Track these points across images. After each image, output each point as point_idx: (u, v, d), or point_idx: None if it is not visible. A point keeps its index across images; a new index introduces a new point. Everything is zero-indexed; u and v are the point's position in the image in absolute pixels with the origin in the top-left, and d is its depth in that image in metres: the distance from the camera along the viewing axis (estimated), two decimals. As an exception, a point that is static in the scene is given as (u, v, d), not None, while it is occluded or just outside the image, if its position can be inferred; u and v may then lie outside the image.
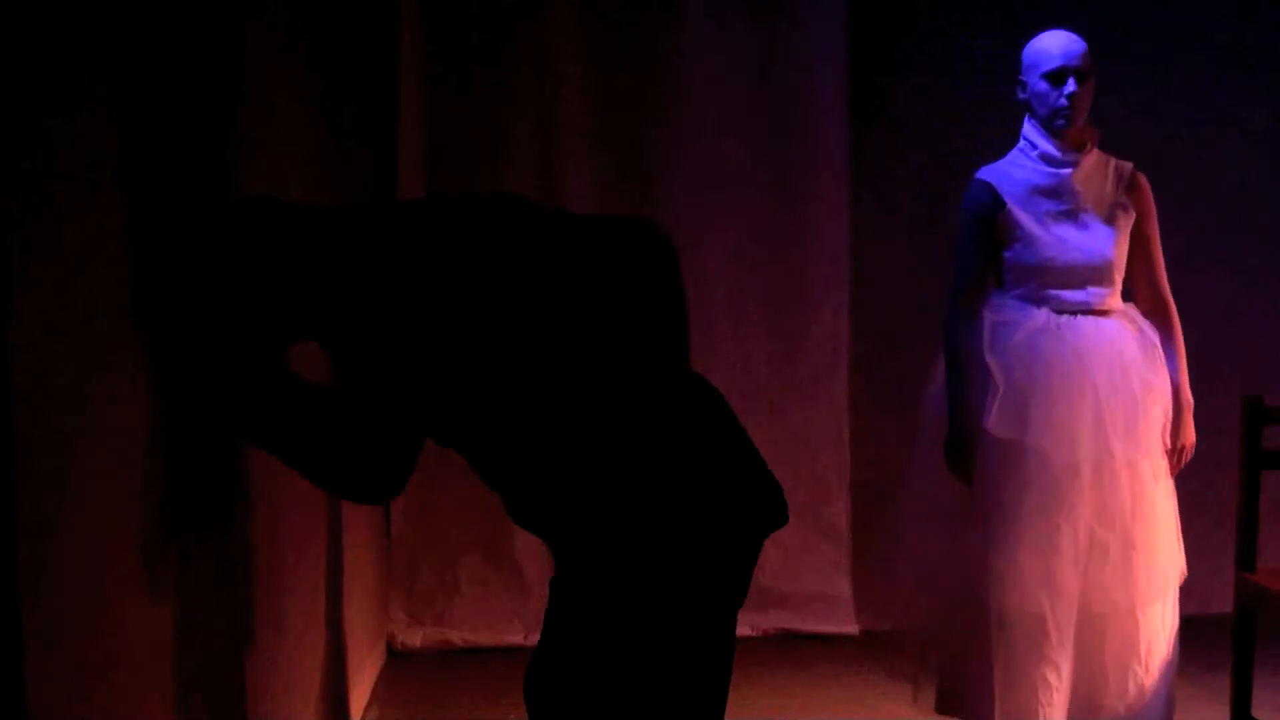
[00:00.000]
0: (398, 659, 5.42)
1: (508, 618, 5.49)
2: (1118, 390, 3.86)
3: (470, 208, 2.66)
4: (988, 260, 3.95)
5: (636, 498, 2.54)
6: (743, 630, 5.31)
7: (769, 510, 2.67)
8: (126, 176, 2.24)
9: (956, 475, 3.92)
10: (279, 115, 3.42)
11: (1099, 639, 3.87)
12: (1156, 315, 3.99)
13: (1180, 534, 3.94)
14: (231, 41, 2.94)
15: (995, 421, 3.84)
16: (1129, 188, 3.96)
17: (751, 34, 5.52)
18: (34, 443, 1.85)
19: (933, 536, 3.99)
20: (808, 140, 5.55)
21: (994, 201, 3.92)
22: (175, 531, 2.48)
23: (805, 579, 5.59)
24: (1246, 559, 4.03)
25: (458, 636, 5.51)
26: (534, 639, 2.79)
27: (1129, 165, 3.98)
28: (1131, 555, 3.86)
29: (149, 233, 2.33)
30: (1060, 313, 3.90)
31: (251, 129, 3.07)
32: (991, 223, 3.92)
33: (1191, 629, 4.07)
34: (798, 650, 5.43)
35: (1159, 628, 3.89)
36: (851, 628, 5.57)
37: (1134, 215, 3.96)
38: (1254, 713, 4.05)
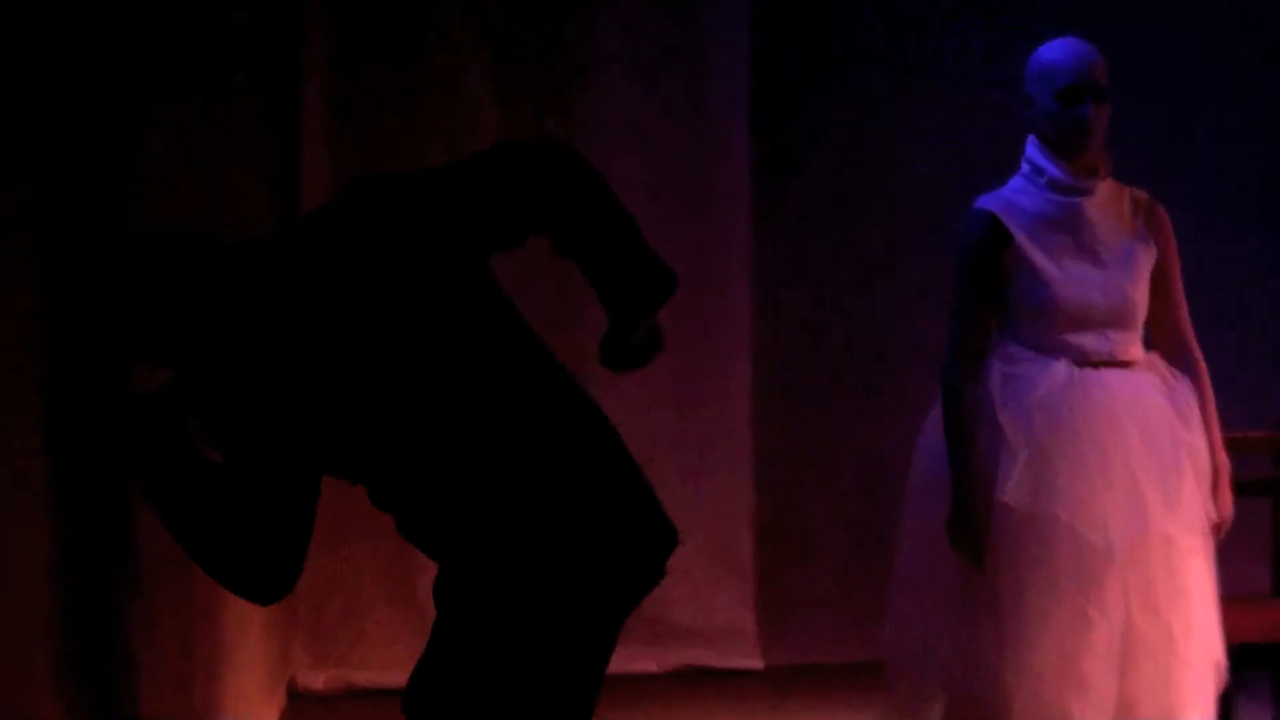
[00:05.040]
0: (299, 701, 5.36)
1: (413, 658, 5.41)
2: (1153, 456, 3.39)
3: (325, 231, 2.64)
4: (993, 303, 3.46)
5: (523, 510, 2.58)
6: (646, 665, 5.44)
7: (661, 529, 2.69)
8: (23, 178, 2.25)
9: (963, 556, 3.38)
10: (184, 114, 3.41)
11: None
12: (1180, 364, 3.52)
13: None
14: (136, 45, 2.95)
15: (1013, 492, 3.34)
16: (1148, 220, 3.51)
17: (660, 61, 5.61)
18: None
19: (932, 627, 3.46)
20: (716, 152, 5.62)
21: (1000, 235, 3.43)
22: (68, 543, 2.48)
23: (709, 614, 5.60)
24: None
25: (362, 678, 5.46)
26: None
27: (1145, 194, 3.53)
28: (1173, 650, 3.36)
29: (52, 244, 2.35)
30: (1081, 365, 3.42)
31: (157, 131, 3.07)
32: (997, 259, 3.43)
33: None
34: (702, 685, 5.44)
35: None
36: (756, 663, 5.58)
37: (1155, 251, 3.49)
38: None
